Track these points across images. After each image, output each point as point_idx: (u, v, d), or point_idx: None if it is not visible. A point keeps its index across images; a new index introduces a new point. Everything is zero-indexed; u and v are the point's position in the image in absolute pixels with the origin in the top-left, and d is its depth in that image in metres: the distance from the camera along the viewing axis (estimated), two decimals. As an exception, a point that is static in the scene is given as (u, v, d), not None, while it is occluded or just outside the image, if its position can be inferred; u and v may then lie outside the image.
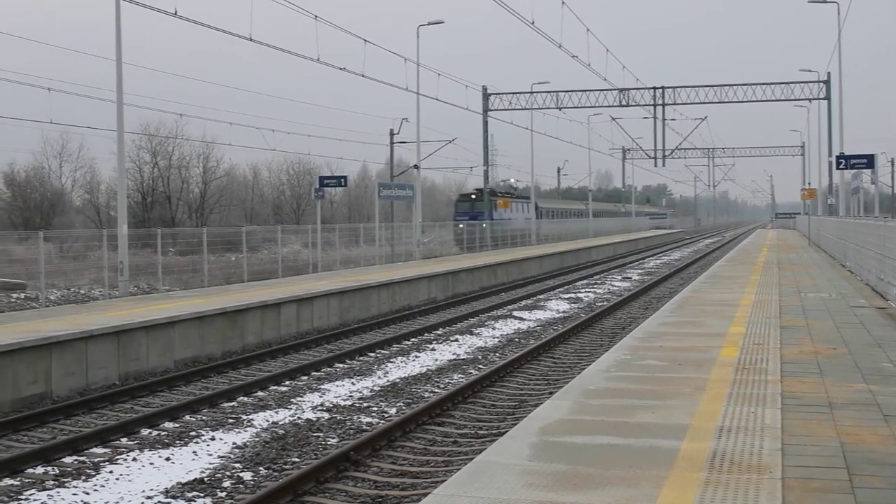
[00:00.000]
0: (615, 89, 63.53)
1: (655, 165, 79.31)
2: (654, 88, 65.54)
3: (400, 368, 19.57)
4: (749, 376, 11.27)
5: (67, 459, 12.65)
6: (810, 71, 64.50)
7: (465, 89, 56.78)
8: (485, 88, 64.68)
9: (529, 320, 27.93)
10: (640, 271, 51.21)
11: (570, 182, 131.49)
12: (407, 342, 23.27)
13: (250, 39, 31.16)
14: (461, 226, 60.12)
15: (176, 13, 26.80)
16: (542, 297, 35.42)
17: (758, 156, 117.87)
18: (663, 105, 66.45)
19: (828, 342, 14.28)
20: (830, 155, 58.98)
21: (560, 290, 38.51)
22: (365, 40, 39.70)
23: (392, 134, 67.21)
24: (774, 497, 6.67)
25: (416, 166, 51.71)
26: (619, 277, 46.12)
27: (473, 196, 72.52)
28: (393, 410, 15.45)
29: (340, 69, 39.08)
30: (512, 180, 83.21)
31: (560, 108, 66.27)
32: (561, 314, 29.62)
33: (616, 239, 79.76)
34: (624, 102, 64.77)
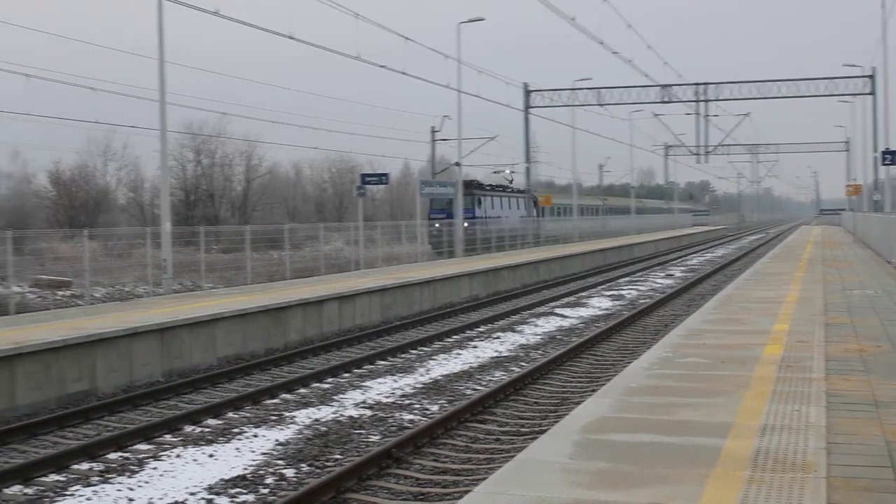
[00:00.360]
0: (657, 85, 63.27)
1: (698, 162, 79.02)
2: (697, 84, 65.21)
3: (442, 366, 19.58)
4: (793, 374, 11.17)
5: (112, 456, 12.76)
6: (854, 66, 63.97)
7: (506, 86, 56.81)
8: (526, 85, 64.56)
9: (572, 317, 27.86)
10: (683, 268, 50.99)
11: (612, 179, 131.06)
12: (449, 339, 23.28)
13: (291, 38, 31.28)
14: (437, 225, 49.78)
15: (218, 12, 26.94)
16: (584, 294, 35.34)
17: (802, 152, 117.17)
18: (706, 101, 66.13)
19: (873, 339, 14.13)
20: (876, 150, 58.50)
21: (602, 287, 38.43)
22: (405, 37, 39.77)
23: (433, 131, 67.11)
24: (819, 496, 6.61)
25: (457, 164, 51.69)
26: (662, 275, 45.96)
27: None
28: (435, 408, 15.46)
29: (381, 67, 39.18)
30: (507, 171, 69.10)
31: (601, 105, 65.98)
32: (603, 311, 29.54)
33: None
34: (666, 99, 64.51)
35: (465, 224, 50.24)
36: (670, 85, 64.46)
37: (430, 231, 49.62)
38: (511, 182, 68.34)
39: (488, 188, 62.58)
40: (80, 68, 79.24)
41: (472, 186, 59.26)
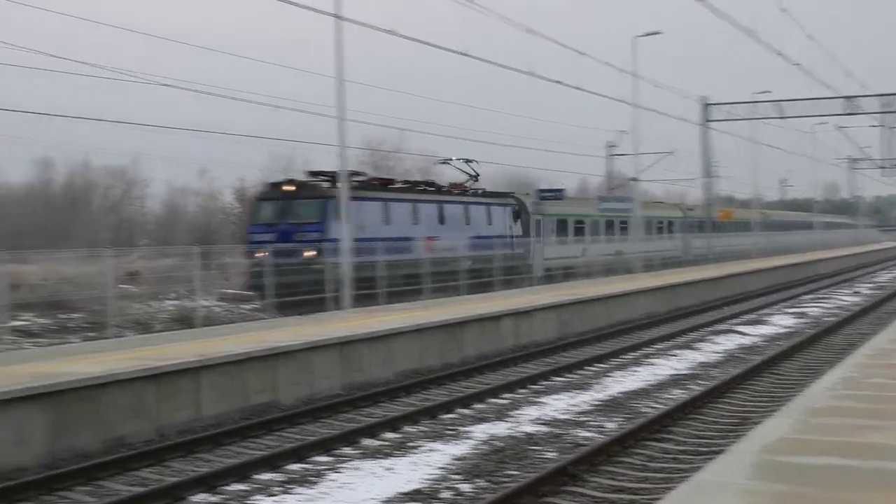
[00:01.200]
0: (840, 97, 61.38)
1: (884, 175, 76.52)
2: (882, 95, 63.07)
3: (618, 383, 19.41)
4: None
5: (293, 466, 13.02)
6: None
7: (683, 100, 56.02)
8: (704, 99, 63.52)
9: (752, 335, 27.29)
10: (870, 285, 49.46)
11: (795, 193, 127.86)
12: (625, 356, 23.06)
13: (465, 55, 31.47)
14: (259, 255, 30.28)
15: (392, 31, 27.34)
16: (765, 311, 34.58)
17: None
18: (893, 112, 63.92)
19: None
20: None
21: (784, 304, 37.56)
22: (578, 52, 39.56)
23: (609, 146, 66.69)
24: None
25: (633, 179, 51.26)
26: (849, 292, 44.64)
27: (292, 188, 34.41)
28: (611, 425, 15.32)
29: (556, 82, 39.04)
30: (453, 158, 44.57)
31: (782, 118, 64.32)
32: (785, 329, 28.85)
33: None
34: (850, 111, 62.56)
35: (312, 253, 30.85)
36: (854, 96, 62.46)
37: (250, 266, 31.66)
38: (476, 177, 44.19)
39: (397, 186, 38.52)
40: (261, 87, 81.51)
41: (334, 182, 30.05)
